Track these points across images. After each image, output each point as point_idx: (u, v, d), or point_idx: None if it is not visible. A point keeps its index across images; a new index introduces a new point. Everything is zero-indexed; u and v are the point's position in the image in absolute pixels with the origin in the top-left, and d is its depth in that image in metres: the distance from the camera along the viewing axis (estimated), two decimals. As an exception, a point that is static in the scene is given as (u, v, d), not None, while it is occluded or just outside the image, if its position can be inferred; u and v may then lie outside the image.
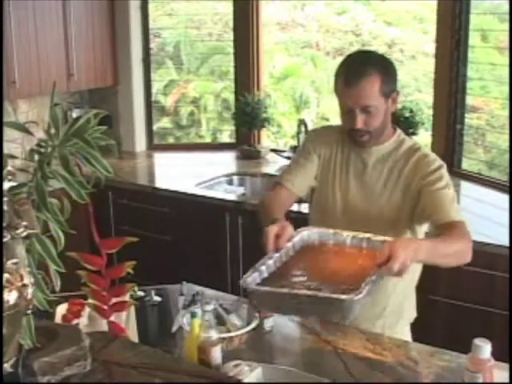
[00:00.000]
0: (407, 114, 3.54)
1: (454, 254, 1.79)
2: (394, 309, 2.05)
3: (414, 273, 2.06)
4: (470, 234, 1.86)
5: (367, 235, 1.76)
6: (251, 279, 1.60)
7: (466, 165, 3.62)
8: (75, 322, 1.77)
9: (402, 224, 2.01)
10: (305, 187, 2.14)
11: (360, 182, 2.04)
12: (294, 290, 1.50)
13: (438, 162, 2.00)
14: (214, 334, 1.69)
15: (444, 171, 1.98)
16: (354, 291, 1.43)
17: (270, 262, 1.68)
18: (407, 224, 2.01)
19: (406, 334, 2.11)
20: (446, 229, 1.84)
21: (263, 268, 1.65)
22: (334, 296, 1.42)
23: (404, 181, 1.99)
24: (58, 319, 1.78)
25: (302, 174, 2.11)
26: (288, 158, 3.92)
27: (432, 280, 2.75)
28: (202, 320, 1.74)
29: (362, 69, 1.90)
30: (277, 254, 1.71)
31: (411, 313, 2.15)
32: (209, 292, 2.19)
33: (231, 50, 4.29)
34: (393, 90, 1.96)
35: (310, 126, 3.74)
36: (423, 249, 1.69)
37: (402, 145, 2.04)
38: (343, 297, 1.41)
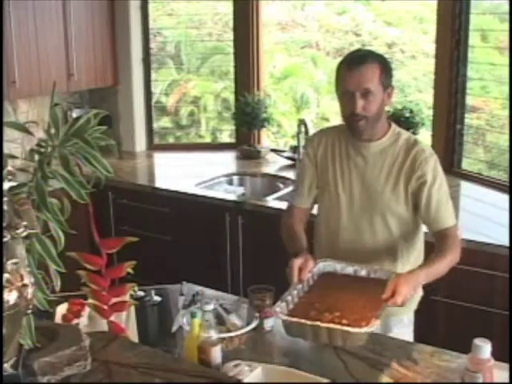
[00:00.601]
0: (407, 114, 3.54)
1: (448, 266, 2.01)
2: None
3: (417, 260, 2.15)
4: (460, 235, 2.11)
5: (375, 267, 2.00)
6: (279, 309, 1.78)
7: (466, 165, 3.62)
8: (75, 322, 1.78)
9: (406, 218, 2.10)
10: (311, 200, 2.26)
11: (362, 178, 2.10)
12: (315, 321, 1.70)
13: (433, 157, 2.09)
14: (213, 334, 1.69)
15: (438, 166, 2.09)
16: (366, 323, 1.67)
17: (294, 292, 1.88)
18: (411, 217, 2.10)
19: (410, 322, 2.20)
20: (440, 238, 2.06)
21: (289, 298, 1.84)
22: (349, 329, 1.66)
23: (405, 176, 2.06)
24: (58, 319, 1.78)
25: (307, 189, 2.23)
26: (288, 158, 3.93)
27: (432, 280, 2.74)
28: (202, 320, 1.74)
29: (364, 56, 2.04)
30: (299, 286, 1.91)
31: (416, 298, 2.18)
32: (209, 292, 2.19)
33: (231, 49, 4.29)
34: (389, 84, 2.05)
35: (310, 126, 3.74)
36: (422, 278, 1.92)
37: (398, 138, 2.12)
38: (356, 330, 1.66)
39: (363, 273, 1.97)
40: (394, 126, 2.15)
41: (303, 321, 1.69)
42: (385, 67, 2.04)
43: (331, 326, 1.67)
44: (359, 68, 1.99)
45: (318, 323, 1.68)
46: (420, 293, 2.18)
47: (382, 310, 1.73)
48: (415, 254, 2.17)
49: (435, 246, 2.08)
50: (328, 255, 2.11)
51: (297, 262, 1.94)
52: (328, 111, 6.20)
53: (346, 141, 2.14)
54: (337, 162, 2.14)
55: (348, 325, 1.67)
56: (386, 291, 1.79)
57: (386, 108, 2.15)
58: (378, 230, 2.10)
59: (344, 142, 2.14)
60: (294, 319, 1.71)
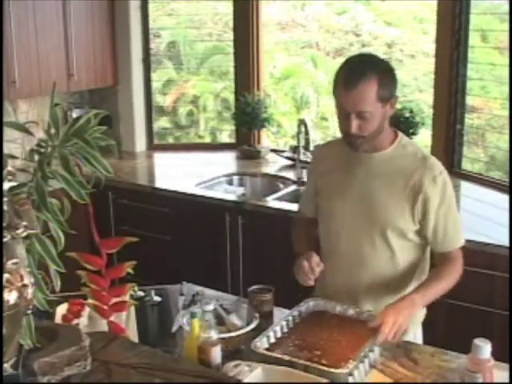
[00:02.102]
0: (407, 114, 3.54)
1: (448, 286, 1.98)
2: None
3: (420, 275, 2.07)
4: (462, 257, 2.06)
5: (367, 310, 1.94)
6: (260, 344, 1.73)
7: (466, 165, 3.62)
8: (75, 322, 1.77)
9: (410, 237, 2.00)
10: (315, 209, 2.20)
11: (362, 190, 2.01)
12: (293, 358, 1.65)
13: (442, 175, 1.98)
14: (213, 334, 1.69)
15: (448, 185, 1.99)
16: (345, 364, 1.63)
17: (277, 328, 1.82)
18: (414, 237, 2.01)
19: (417, 338, 2.12)
20: (443, 259, 2.02)
21: (271, 334, 1.79)
22: (325, 369, 1.61)
23: (411, 192, 1.96)
24: (58, 319, 1.78)
25: (312, 199, 2.18)
26: (288, 158, 3.93)
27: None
28: (202, 320, 1.74)
29: (360, 72, 1.88)
30: (284, 322, 1.85)
31: (420, 314, 2.12)
32: (209, 292, 2.19)
33: (231, 49, 4.29)
34: (391, 95, 1.94)
35: (310, 126, 3.74)
36: (418, 302, 1.87)
37: (405, 150, 2.02)
38: (332, 370, 1.60)
39: (352, 313, 1.89)
40: (400, 135, 2.05)
41: (280, 356, 1.65)
42: (384, 79, 1.89)
43: (307, 363, 1.61)
44: (355, 88, 1.85)
45: (295, 360, 1.63)
46: (424, 310, 2.10)
47: (363, 350, 1.67)
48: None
49: (437, 264, 2.04)
50: (328, 271, 2.04)
51: (303, 262, 1.91)
52: (328, 111, 6.20)
53: (346, 153, 2.04)
54: (339, 174, 2.06)
55: (326, 365, 1.61)
56: (374, 322, 1.76)
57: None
58: (378, 246, 2.00)
59: (345, 153, 2.05)
60: (272, 354, 1.67)
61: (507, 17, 3.15)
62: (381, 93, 1.88)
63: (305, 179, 3.04)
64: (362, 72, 1.87)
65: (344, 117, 1.92)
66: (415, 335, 2.10)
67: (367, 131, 1.92)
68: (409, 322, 1.82)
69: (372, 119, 1.90)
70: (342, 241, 2.05)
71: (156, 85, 4.75)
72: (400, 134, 2.06)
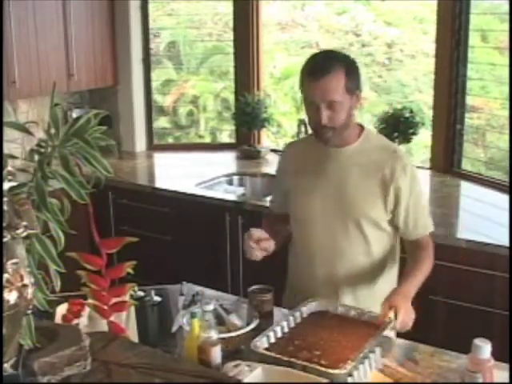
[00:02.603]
0: (407, 114, 3.54)
1: (427, 274, 2.02)
2: None
3: (392, 262, 2.14)
4: (432, 241, 2.10)
5: (368, 310, 1.91)
6: (259, 344, 1.72)
7: (466, 165, 3.62)
8: (75, 322, 1.77)
9: (383, 227, 2.05)
10: (285, 206, 2.21)
11: (338, 184, 2.04)
12: (292, 358, 1.64)
13: (410, 164, 2.04)
14: (213, 334, 1.69)
15: (415, 173, 2.06)
16: (344, 365, 1.61)
17: (277, 328, 1.81)
18: (387, 226, 2.06)
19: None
20: (416, 247, 2.07)
21: (271, 334, 1.77)
22: (324, 369, 1.60)
23: (381, 182, 2.00)
24: (58, 319, 1.78)
25: (282, 196, 2.21)
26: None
27: (432, 280, 2.74)
28: (202, 320, 1.74)
29: (326, 64, 1.93)
30: (284, 322, 1.84)
31: None
32: (209, 292, 2.19)
33: (231, 49, 4.29)
34: (357, 87, 1.98)
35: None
36: (411, 296, 1.92)
37: (372, 143, 2.08)
38: (330, 371, 1.59)
39: (354, 314, 1.89)
40: (367, 129, 2.10)
41: (279, 356, 1.65)
42: (350, 71, 1.95)
43: (306, 364, 1.61)
44: (323, 78, 1.90)
45: (294, 360, 1.62)
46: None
47: (363, 351, 1.66)
48: (394, 270, 2.14)
49: (409, 254, 2.08)
50: (304, 270, 2.11)
51: (256, 233, 2.00)
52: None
53: (316, 149, 2.07)
54: (310, 171, 2.09)
55: (326, 365, 1.61)
56: (383, 312, 1.80)
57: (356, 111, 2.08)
58: (354, 238, 2.04)
59: (314, 151, 2.09)
60: (271, 354, 1.67)
61: (507, 17, 3.15)
62: (348, 84, 1.93)
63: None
64: (330, 63, 1.93)
65: (313, 109, 1.96)
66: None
67: (337, 122, 1.96)
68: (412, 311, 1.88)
69: (341, 110, 1.94)
70: (317, 234, 2.07)
71: (156, 85, 4.75)
72: (365, 127, 2.11)
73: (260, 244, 2.01)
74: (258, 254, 2.02)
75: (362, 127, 2.09)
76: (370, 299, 2.03)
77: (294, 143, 2.35)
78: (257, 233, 2.02)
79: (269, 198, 3.37)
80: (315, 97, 1.94)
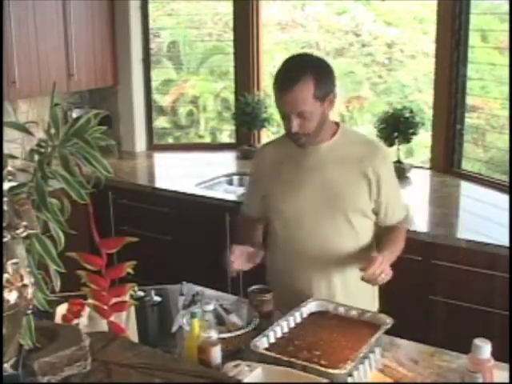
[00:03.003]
0: (407, 115, 3.54)
1: (401, 248, 2.12)
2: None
3: (373, 246, 2.18)
4: (407, 220, 2.24)
5: (367, 310, 1.92)
6: (259, 344, 1.72)
7: (466, 165, 3.62)
8: (75, 322, 1.77)
9: (368, 215, 2.11)
10: (262, 209, 2.23)
11: (321, 180, 2.06)
12: (292, 358, 1.64)
13: (386, 151, 2.15)
14: (213, 334, 1.69)
15: (390, 160, 2.16)
16: (343, 365, 1.62)
17: (277, 328, 1.80)
18: (372, 211, 2.12)
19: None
20: (390, 228, 2.15)
21: (271, 334, 1.77)
22: (323, 369, 1.60)
23: (361, 170, 2.05)
24: (58, 319, 1.78)
25: (258, 200, 2.22)
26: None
27: (432, 280, 2.75)
28: (202, 320, 1.74)
29: (294, 74, 1.93)
30: (284, 322, 1.83)
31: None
32: (209, 292, 2.19)
33: (231, 49, 4.29)
34: (329, 92, 1.99)
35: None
36: (390, 260, 2.00)
37: (349, 135, 2.12)
38: (330, 371, 1.59)
39: (354, 314, 1.89)
40: (342, 125, 2.13)
41: (279, 356, 1.65)
42: (320, 78, 1.95)
43: (306, 364, 1.61)
44: (291, 90, 1.92)
45: (294, 360, 1.63)
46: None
47: (362, 351, 1.67)
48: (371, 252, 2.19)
49: (384, 233, 2.14)
50: (291, 267, 2.12)
51: (239, 249, 2.02)
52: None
53: (292, 148, 2.09)
54: (289, 170, 2.10)
55: (326, 365, 1.61)
56: (364, 265, 1.87)
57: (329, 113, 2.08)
58: (342, 229, 2.07)
59: (292, 149, 2.10)
60: (271, 354, 1.67)
61: (507, 17, 3.15)
62: (317, 92, 1.94)
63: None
64: (297, 74, 1.93)
65: (285, 117, 1.99)
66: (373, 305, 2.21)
67: (309, 129, 1.99)
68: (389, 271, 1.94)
69: (312, 118, 1.97)
70: (305, 230, 2.09)
71: (156, 85, 4.75)
72: (341, 124, 2.14)
73: (243, 257, 2.04)
74: (236, 268, 2.05)
75: (337, 124, 2.12)
76: (358, 284, 2.01)
77: (267, 145, 2.33)
78: (238, 250, 2.05)
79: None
80: (285, 107, 1.97)
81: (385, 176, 2.07)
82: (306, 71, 1.94)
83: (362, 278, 1.90)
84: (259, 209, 2.23)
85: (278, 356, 1.65)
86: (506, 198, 3.14)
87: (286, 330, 1.82)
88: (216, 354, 1.66)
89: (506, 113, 3.35)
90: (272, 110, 4.43)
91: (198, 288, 2.21)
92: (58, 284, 1.34)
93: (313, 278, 2.12)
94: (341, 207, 2.06)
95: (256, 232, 2.26)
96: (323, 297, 2.03)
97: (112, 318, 1.66)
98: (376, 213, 2.12)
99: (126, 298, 1.72)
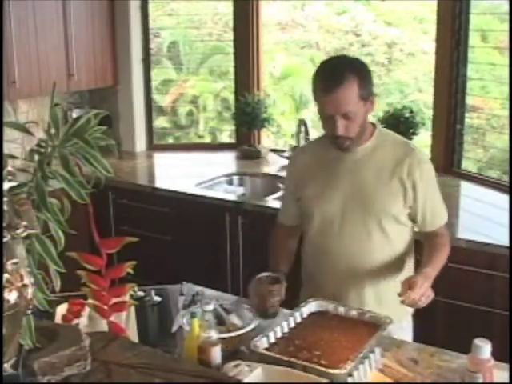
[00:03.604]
0: (407, 114, 3.54)
1: (445, 258, 2.06)
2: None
3: (411, 254, 2.15)
4: (448, 232, 2.16)
5: (368, 310, 1.91)
6: (259, 343, 1.72)
7: (466, 165, 3.62)
8: (75, 322, 1.77)
9: (402, 221, 2.06)
10: (296, 217, 2.20)
11: (356, 184, 2.04)
12: (292, 358, 1.64)
13: (424, 156, 2.10)
14: (213, 334, 1.69)
15: (430, 166, 2.09)
16: (343, 365, 1.62)
17: (277, 328, 1.80)
18: (406, 221, 2.07)
19: (409, 326, 2.18)
20: (432, 235, 2.09)
21: (271, 334, 1.77)
22: (323, 369, 1.60)
23: (399, 176, 2.01)
24: (58, 319, 1.78)
25: (292, 205, 2.19)
26: (288, 158, 3.92)
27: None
28: (202, 320, 1.74)
29: (338, 75, 1.91)
30: (284, 322, 1.83)
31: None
32: (209, 292, 2.19)
33: (231, 49, 4.29)
34: (370, 93, 1.98)
35: (310, 126, 3.75)
36: (433, 277, 1.94)
37: (386, 138, 2.09)
38: (330, 371, 1.59)
39: (354, 314, 1.88)
40: (379, 126, 2.11)
41: (279, 356, 1.65)
42: (362, 78, 1.94)
43: (306, 364, 1.61)
44: (336, 91, 1.89)
45: (294, 360, 1.62)
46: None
47: (362, 351, 1.66)
48: (412, 262, 2.15)
49: (426, 243, 2.09)
50: (324, 270, 2.09)
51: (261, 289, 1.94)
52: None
53: (329, 150, 2.08)
54: (324, 174, 2.08)
55: (326, 365, 1.61)
56: (403, 290, 1.81)
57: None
58: (375, 235, 2.03)
59: (327, 152, 2.09)
60: (271, 354, 1.67)
61: (507, 17, 3.15)
62: (361, 92, 1.93)
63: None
64: (342, 74, 1.91)
65: (329, 120, 1.96)
66: (408, 323, 2.17)
67: (353, 131, 1.97)
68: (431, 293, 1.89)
69: (356, 118, 1.95)
70: (338, 234, 2.06)
71: (155, 85, 4.75)
72: (377, 124, 2.12)
73: (271, 298, 1.96)
74: (271, 306, 1.97)
75: (373, 125, 2.10)
76: (392, 294, 1.96)
77: (302, 149, 2.31)
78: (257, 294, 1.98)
79: (270, 198, 3.39)
80: (329, 109, 1.93)
81: (421, 180, 2.01)
82: (350, 71, 1.92)
83: (402, 302, 1.84)
84: (295, 216, 2.19)
85: (277, 356, 1.65)
86: (506, 197, 3.14)
87: (286, 330, 1.82)
88: (216, 354, 1.66)
89: (506, 113, 3.35)
90: (272, 110, 4.44)
91: (198, 288, 2.21)
92: (58, 284, 1.34)
93: (343, 284, 2.08)
94: (373, 213, 2.01)
95: (291, 248, 2.21)
96: (354, 304, 1.99)
97: (112, 318, 1.66)
98: (413, 219, 2.07)
99: (126, 298, 1.72)
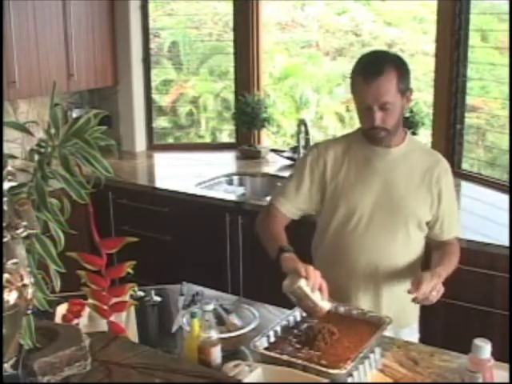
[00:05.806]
0: (407, 114, 3.54)
1: (455, 264, 2.07)
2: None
3: (421, 261, 2.15)
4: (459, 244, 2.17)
5: (368, 310, 1.92)
6: (259, 343, 1.71)
7: (466, 165, 3.62)
8: (75, 322, 1.77)
9: (424, 224, 2.07)
10: (299, 212, 2.14)
11: (384, 183, 2.04)
12: (292, 358, 1.64)
13: (449, 167, 2.13)
14: (213, 334, 1.69)
15: (452, 176, 2.13)
16: (343, 365, 1.60)
17: (278, 328, 1.79)
18: (427, 223, 2.08)
19: (417, 328, 2.19)
20: (444, 243, 2.11)
21: (271, 333, 1.76)
22: (323, 369, 1.59)
23: (427, 182, 2.04)
24: (58, 319, 1.78)
25: (297, 198, 2.11)
26: (288, 158, 3.92)
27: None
28: (202, 320, 1.74)
29: (378, 67, 1.94)
30: (284, 322, 1.82)
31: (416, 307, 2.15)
32: (209, 292, 2.19)
33: (231, 49, 4.29)
34: (408, 88, 2.01)
35: (310, 126, 3.74)
36: (443, 276, 1.93)
37: (415, 145, 2.13)
38: (329, 371, 1.58)
39: (354, 313, 1.88)
40: (409, 132, 2.14)
41: (278, 356, 1.64)
42: (402, 72, 1.97)
43: (305, 363, 1.60)
44: (376, 80, 1.91)
45: (294, 360, 1.62)
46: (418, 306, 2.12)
47: (362, 351, 1.65)
48: (420, 269, 2.14)
49: (437, 251, 2.09)
50: (342, 269, 2.06)
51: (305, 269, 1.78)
52: (326, 111, 6.20)
53: (363, 148, 2.07)
54: (356, 171, 2.06)
55: (326, 365, 1.60)
56: (413, 286, 1.83)
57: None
58: (399, 236, 2.03)
59: (360, 150, 2.07)
60: (270, 353, 1.66)
61: (507, 17, 3.15)
62: (400, 85, 1.96)
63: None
64: (382, 65, 1.94)
65: (366, 111, 1.97)
66: (417, 325, 2.18)
67: (390, 124, 1.98)
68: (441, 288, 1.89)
69: (394, 110, 1.96)
70: (362, 232, 2.04)
71: (156, 85, 4.75)
72: (408, 131, 2.15)
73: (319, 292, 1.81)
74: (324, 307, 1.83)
75: (405, 132, 2.11)
76: (404, 298, 1.93)
77: (327, 144, 2.16)
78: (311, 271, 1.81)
79: (270, 198, 3.38)
80: (368, 99, 1.94)
81: (446, 189, 2.06)
82: (390, 63, 1.96)
83: (413, 300, 1.85)
84: (297, 208, 2.12)
85: (277, 356, 1.65)
86: (506, 197, 3.14)
87: (286, 329, 1.82)
88: (216, 354, 1.66)
89: (506, 113, 3.35)
90: (272, 110, 4.43)
91: (198, 288, 2.21)
92: (58, 284, 1.34)
93: (360, 286, 2.06)
94: (402, 214, 2.02)
95: (283, 234, 2.05)
96: (370, 308, 1.99)
97: (112, 318, 1.66)
98: (431, 227, 2.09)
99: (126, 298, 1.72)
